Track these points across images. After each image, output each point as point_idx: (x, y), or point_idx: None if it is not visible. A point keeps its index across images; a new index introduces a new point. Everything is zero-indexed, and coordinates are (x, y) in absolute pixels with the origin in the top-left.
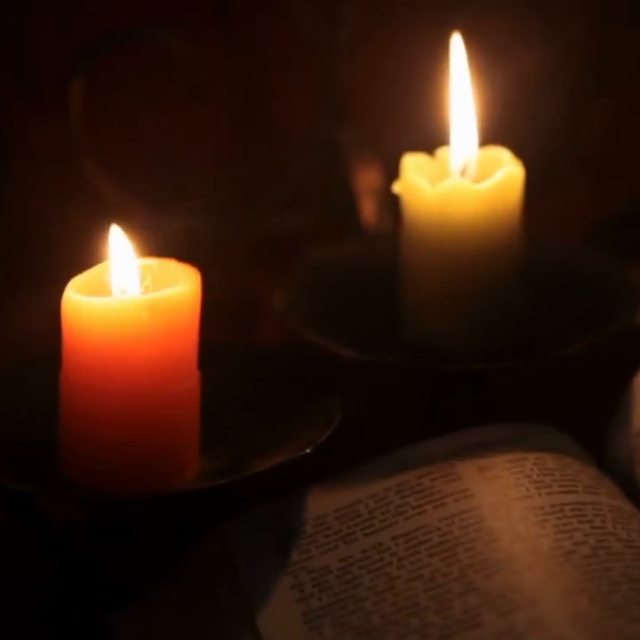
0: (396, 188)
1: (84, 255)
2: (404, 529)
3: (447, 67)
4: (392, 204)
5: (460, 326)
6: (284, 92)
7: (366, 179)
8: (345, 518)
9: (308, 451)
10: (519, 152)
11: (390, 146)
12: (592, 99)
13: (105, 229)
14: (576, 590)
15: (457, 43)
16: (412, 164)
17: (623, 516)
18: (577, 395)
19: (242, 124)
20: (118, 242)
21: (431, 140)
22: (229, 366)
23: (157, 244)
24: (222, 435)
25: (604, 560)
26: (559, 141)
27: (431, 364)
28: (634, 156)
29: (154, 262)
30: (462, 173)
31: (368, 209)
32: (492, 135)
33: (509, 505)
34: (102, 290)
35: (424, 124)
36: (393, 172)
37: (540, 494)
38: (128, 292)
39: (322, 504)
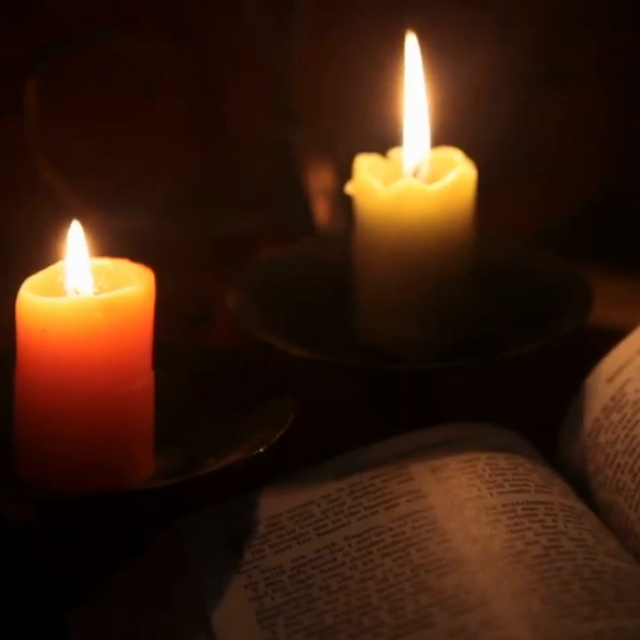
0: (350, 188)
1: (39, 255)
2: (356, 529)
3: (400, 67)
4: (345, 204)
5: (413, 326)
6: (239, 92)
7: (319, 179)
8: (298, 518)
9: (260, 450)
10: (472, 153)
11: (343, 146)
12: (544, 99)
13: (60, 229)
14: (528, 590)
15: (411, 43)
16: (366, 165)
17: (574, 515)
18: (529, 395)
19: (196, 124)
20: (74, 241)
21: (384, 140)
22: (183, 366)
23: (111, 244)
24: (176, 434)
25: (556, 559)
26: (511, 142)
27: (383, 365)
28: (585, 156)
29: (108, 262)
30: (415, 174)
31: (321, 209)
32: (444, 136)
33: (462, 505)
34: (57, 290)
35: (377, 125)
36: (346, 173)
37: (492, 494)
38: (82, 292)
39: (275, 504)
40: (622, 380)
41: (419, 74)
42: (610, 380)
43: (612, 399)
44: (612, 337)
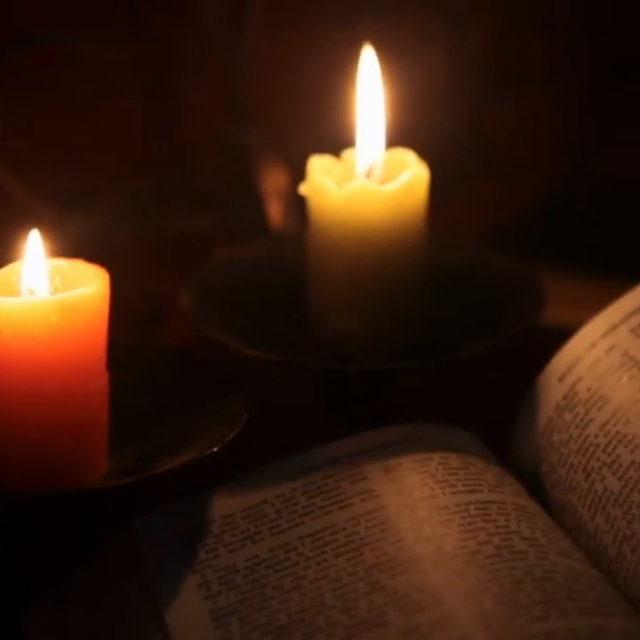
0: (303, 189)
1: None
2: (310, 529)
3: (353, 69)
4: (299, 205)
5: (366, 327)
6: (193, 93)
7: (273, 180)
8: (252, 518)
9: (214, 450)
10: (425, 154)
11: (297, 147)
12: (496, 100)
13: (16, 230)
14: (480, 589)
15: (364, 46)
16: (319, 166)
17: (527, 514)
18: (483, 395)
19: (151, 125)
20: (30, 242)
21: (338, 141)
22: (137, 366)
23: (66, 245)
24: (130, 434)
25: (508, 559)
26: (464, 143)
27: (336, 365)
28: (537, 156)
29: (63, 263)
30: (368, 175)
31: (275, 210)
32: (398, 137)
33: (415, 505)
34: (12, 290)
35: (331, 126)
36: (300, 174)
37: (444, 494)
38: (37, 293)
39: (229, 503)
40: (573, 379)
41: (373, 75)
42: (561, 379)
43: (565, 398)
44: (564, 336)
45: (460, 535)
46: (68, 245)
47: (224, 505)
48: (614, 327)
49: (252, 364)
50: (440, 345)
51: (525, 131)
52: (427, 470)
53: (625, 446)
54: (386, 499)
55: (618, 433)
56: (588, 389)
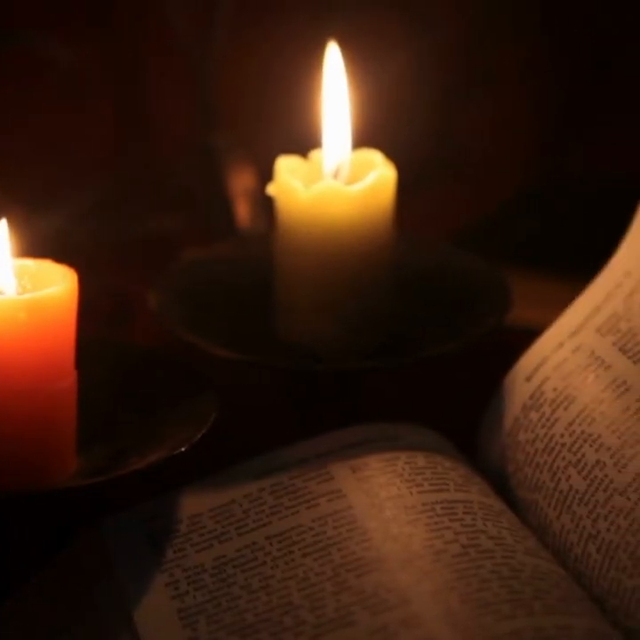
0: (270, 189)
1: None
2: (277, 529)
3: (321, 70)
4: (266, 205)
5: (334, 327)
6: (163, 94)
7: (241, 180)
8: (219, 517)
9: (182, 449)
10: (393, 154)
11: (265, 148)
12: (466, 101)
13: None
14: (447, 589)
15: (331, 46)
16: (286, 166)
17: (493, 513)
18: (450, 394)
19: (119, 125)
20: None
21: (305, 142)
22: (106, 365)
23: (34, 245)
24: (99, 433)
25: (475, 558)
26: (433, 143)
27: (304, 365)
28: (505, 158)
29: (31, 263)
30: (335, 175)
31: (243, 210)
32: (365, 137)
33: (381, 504)
34: None
35: (298, 127)
36: (267, 174)
37: (411, 493)
38: (5, 293)
39: (197, 503)
40: (540, 379)
41: (339, 76)
42: (528, 379)
43: (531, 398)
44: (531, 336)
45: (426, 534)
46: (37, 245)
47: (192, 505)
48: (581, 327)
49: (220, 363)
50: (408, 345)
51: (495, 132)
52: (394, 470)
53: (590, 446)
54: (353, 498)
55: (583, 432)
56: (555, 389)
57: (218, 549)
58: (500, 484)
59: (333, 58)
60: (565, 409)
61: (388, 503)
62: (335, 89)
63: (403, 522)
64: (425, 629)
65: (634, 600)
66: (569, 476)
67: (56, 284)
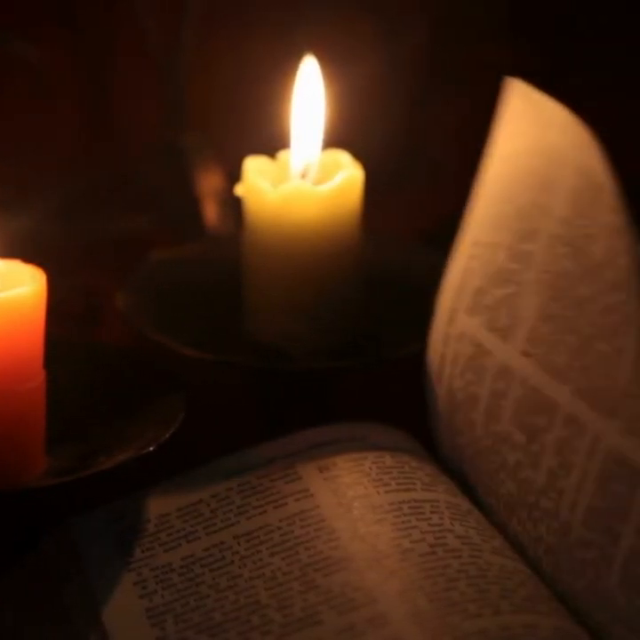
0: (238, 190)
1: None
2: (245, 528)
3: (289, 71)
4: (235, 206)
5: (302, 326)
6: (132, 95)
7: (209, 181)
8: (187, 517)
9: (150, 449)
10: (361, 155)
11: (233, 149)
12: (435, 102)
13: None
14: (414, 588)
15: (307, 51)
16: (254, 167)
17: (460, 513)
18: (419, 394)
19: (89, 125)
20: None
21: (273, 143)
22: (75, 365)
23: (2, 245)
24: (68, 433)
25: (442, 557)
26: (401, 144)
27: (272, 364)
28: (476, 158)
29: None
30: (303, 176)
31: (211, 211)
32: (334, 138)
33: (349, 504)
34: None
35: (266, 128)
36: (236, 175)
37: (378, 493)
38: None
39: (165, 502)
40: (447, 379)
41: (313, 79)
42: (438, 381)
43: (448, 402)
44: None
45: (393, 534)
46: (5, 245)
47: (160, 504)
48: (454, 312)
49: (189, 363)
50: (377, 344)
51: (467, 131)
52: (361, 469)
53: (505, 445)
54: (320, 498)
55: (496, 432)
56: (461, 389)
57: (186, 549)
58: (464, 483)
59: (309, 61)
60: (475, 409)
61: (355, 503)
62: (308, 91)
63: (370, 521)
64: (392, 628)
65: (588, 601)
66: (502, 480)
67: (24, 285)
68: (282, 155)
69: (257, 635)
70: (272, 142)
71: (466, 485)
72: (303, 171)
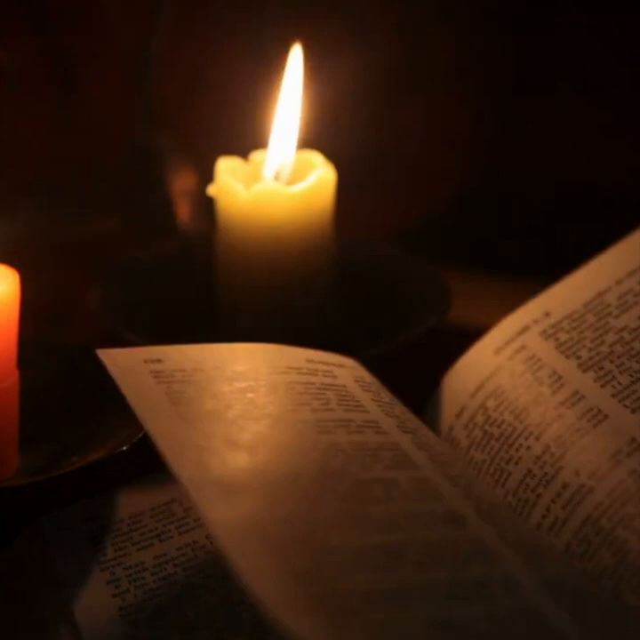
0: (211, 190)
1: None
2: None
3: (263, 73)
4: (207, 206)
5: (275, 325)
6: (102, 94)
7: (182, 181)
8: (160, 517)
9: (123, 448)
10: (333, 155)
11: (205, 149)
12: (407, 103)
13: None
14: None
15: (295, 50)
16: (227, 167)
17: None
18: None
19: (61, 126)
20: None
21: (246, 143)
22: (47, 365)
23: None
24: (41, 433)
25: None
26: (374, 145)
27: None
28: (445, 159)
29: None
30: (276, 176)
31: (184, 211)
32: (307, 139)
33: None
34: None
35: (239, 128)
36: (208, 175)
37: None
38: None
39: (138, 502)
40: (479, 380)
41: (295, 80)
42: (465, 379)
43: (471, 398)
44: (469, 336)
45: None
46: None
47: (133, 504)
48: (522, 331)
49: None
50: (349, 343)
51: (434, 133)
52: None
53: (528, 438)
54: None
55: (517, 429)
56: (493, 392)
57: (158, 548)
58: None
59: (295, 62)
60: (502, 412)
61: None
62: (290, 92)
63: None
64: None
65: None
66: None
67: None
68: (254, 155)
69: (229, 635)
70: (245, 143)
71: None
72: (276, 171)
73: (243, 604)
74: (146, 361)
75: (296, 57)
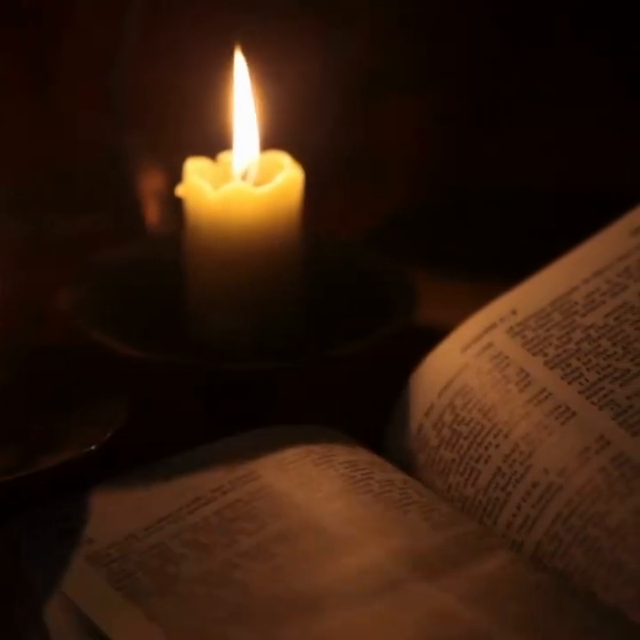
0: (180, 191)
1: None
2: (190, 523)
3: (230, 73)
4: (176, 206)
5: (243, 326)
6: (76, 96)
7: (151, 182)
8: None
9: (91, 448)
10: (300, 156)
11: (174, 150)
12: (372, 103)
13: None
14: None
15: (238, 50)
16: (195, 168)
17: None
18: (357, 394)
19: (34, 126)
20: None
21: (215, 144)
22: (18, 364)
23: None
24: (11, 432)
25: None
26: (341, 145)
27: (212, 364)
28: (412, 159)
29: None
30: (244, 177)
31: (153, 212)
32: (274, 139)
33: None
34: None
35: (208, 129)
36: (177, 176)
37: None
38: None
39: (108, 502)
40: (445, 380)
41: (246, 80)
42: (434, 380)
43: (439, 396)
44: (436, 336)
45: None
46: None
47: (103, 503)
48: (489, 329)
49: (132, 363)
50: (316, 344)
51: (405, 135)
52: (305, 462)
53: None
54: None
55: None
56: (461, 390)
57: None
58: None
59: (239, 62)
60: (470, 410)
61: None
62: (243, 93)
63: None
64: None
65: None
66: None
67: None
68: (223, 156)
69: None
70: (214, 143)
71: None
72: (244, 171)
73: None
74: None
75: (239, 58)
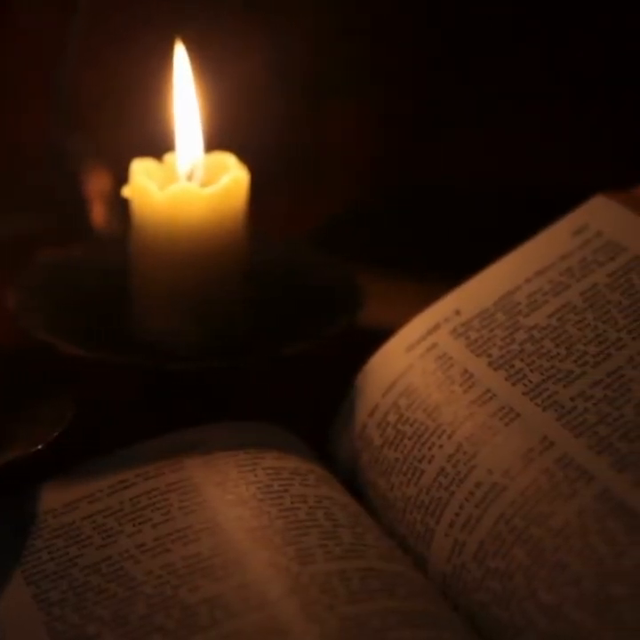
0: (125, 191)
1: None
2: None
3: (173, 73)
4: (122, 207)
5: (188, 326)
6: (21, 96)
7: (97, 182)
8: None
9: (39, 447)
10: (246, 156)
11: (120, 151)
12: (317, 103)
13: None
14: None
15: (179, 51)
16: (141, 169)
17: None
18: (303, 394)
19: None
20: None
21: (162, 145)
22: None
23: None
24: None
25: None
26: (286, 144)
27: (157, 363)
28: (358, 159)
29: None
30: (189, 178)
31: (99, 212)
32: (220, 140)
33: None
34: None
35: (154, 130)
36: (123, 177)
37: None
38: None
39: (55, 499)
40: (389, 380)
41: (188, 80)
42: (378, 380)
43: (383, 396)
44: (382, 336)
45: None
46: None
47: (50, 501)
48: (433, 329)
49: (78, 363)
50: (262, 344)
51: (351, 135)
52: (242, 464)
53: (439, 437)
54: (202, 485)
55: (429, 428)
56: (405, 390)
57: (75, 550)
58: (352, 489)
59: (181, 60)
60: (414, 410)
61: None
62: (185, 93)
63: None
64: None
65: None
66: (422, 471)
67: None
68: (168, 157)
69: (139, 635)
70: (160, 144)
71: (352, 486)
72: (190, 172)
73: (154, 597)
74: None
75: (180, 55)
